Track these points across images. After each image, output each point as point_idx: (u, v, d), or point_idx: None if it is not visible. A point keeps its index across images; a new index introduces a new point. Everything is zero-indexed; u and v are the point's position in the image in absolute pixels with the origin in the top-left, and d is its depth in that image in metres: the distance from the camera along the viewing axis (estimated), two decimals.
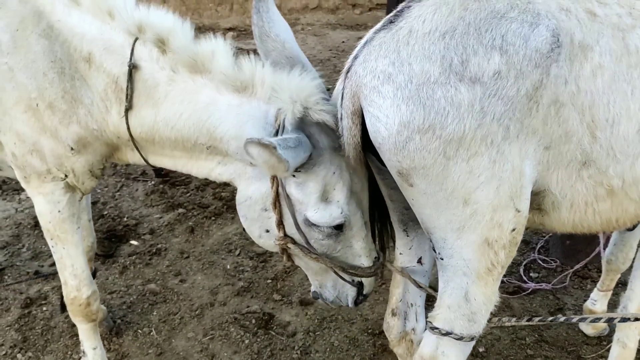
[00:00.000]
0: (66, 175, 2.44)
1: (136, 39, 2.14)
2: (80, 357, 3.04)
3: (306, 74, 1.96)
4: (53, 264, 3.34)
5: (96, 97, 2.24)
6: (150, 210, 4.73)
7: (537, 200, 1.90)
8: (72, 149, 2.34)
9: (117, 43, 2.15)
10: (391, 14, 1.82)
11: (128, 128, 2.22)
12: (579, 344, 3.29)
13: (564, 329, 3.40)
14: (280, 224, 2.07)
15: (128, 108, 2.17)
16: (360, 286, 2.26)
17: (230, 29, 10.00)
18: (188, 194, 4.96)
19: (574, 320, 2.21)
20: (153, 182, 5.08)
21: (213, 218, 4.61)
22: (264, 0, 2.10)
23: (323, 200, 2.00)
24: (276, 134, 1.91)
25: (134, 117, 2.19)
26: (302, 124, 1.92)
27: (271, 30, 2.07)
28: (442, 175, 1.71)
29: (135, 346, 3.29)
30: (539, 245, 4.25)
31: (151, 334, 3.38)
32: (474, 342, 2.03)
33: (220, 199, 4.84)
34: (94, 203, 4.70)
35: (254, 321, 3.46)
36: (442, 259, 1.89)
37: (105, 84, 2.20)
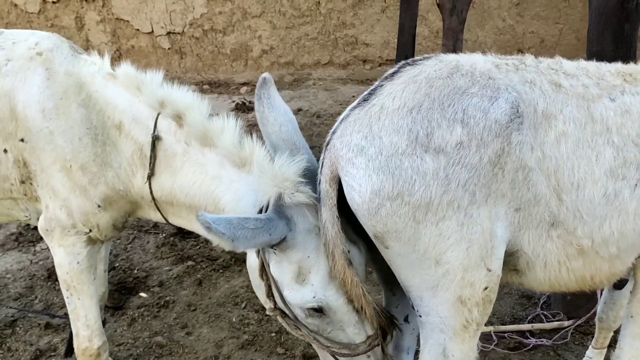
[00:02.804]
0: (90, 230, 2.62)
1: (159, 113, 2.36)
2: None
3: (288, 158, 2.07)
4: (63, 316, 3.45)
5: (124, 161, 2.46)
6: (160, 263, 4.85)
7: (513, 260, 2.00)
8: (99, 206, 2.54)
9: (143, 115, 2.39)
10: (366, 92, 1.99)
11: (151, 191, 2.41)
12: None
13: None
14: (270, 295, 2.15)
15: (150, 174, 2.38)
16: None
17: (244, 84, 10.33)
18: (197, 247, 5.08)
19: None
20: (164, 235, 5.22)
21: (221, 271, 4.71)
22: (266, 87, 2.29)
23: (298, 282, 2.07)
24: (260, 211, 2.06)
25: (156, 182, 2.40)
26: (283, 207, 2.03)
27: (270, 115, 2.25)
28: (414, 238, 1.84)
29: None
30: (541, 301, 4.28)
31: None
32: None
33: (229, 252, 4.94)
34: None
35: None
36: (421, 317, 1.99)
37: (132, 151, 2.42)
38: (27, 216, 2.86)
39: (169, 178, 2.35)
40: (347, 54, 10.81)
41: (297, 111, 9.12)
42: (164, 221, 2.57)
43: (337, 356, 2.19)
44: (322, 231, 2.00)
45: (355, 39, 10.77)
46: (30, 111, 2.45)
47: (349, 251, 2.04)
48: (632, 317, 2.46)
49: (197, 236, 5.20)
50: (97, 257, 3.30)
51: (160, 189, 2.40)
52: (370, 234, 1.93)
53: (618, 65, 2.26)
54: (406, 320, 2.27)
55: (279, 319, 2.19)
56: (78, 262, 2.67)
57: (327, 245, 1.96)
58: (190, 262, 4.81)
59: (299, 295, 2.06)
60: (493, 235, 1.86)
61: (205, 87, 10.09)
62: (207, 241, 5.16)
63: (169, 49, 10.57)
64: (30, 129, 2.46)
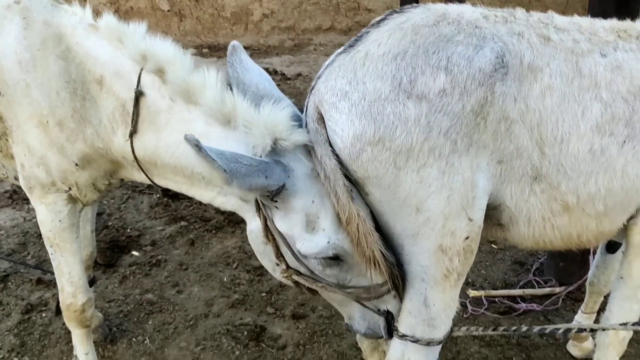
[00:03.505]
0: (70, 188, 2.55)
1: (143, 67, 2.25)
2: None
3: (274, 106, 2.01)
4: None
5: (104, 118, 2.35)
6: (154, 223, 4.84)
7: (496, 214, 1.97)
8: (76, 164, 2.45)
9: (126, 69, 2.27)
10: (352, 39, 1.94)
11: (133, 150, 2.32)
12: None
13: (551, 350, 3.42)
14: (280, 256, 2.07)
15: (133, 132, 2.28)
16: (388, 314, 2.15)
17: (244, 48, 10.21)
18: (191, 207, 5.07)
19: (535, 331, 2.24)
20: (158, 195, 5.20)
21: (214, 231, 4.70)
22: (236, 54, 2.24)
23: (309, 231, 1.98)
24: None
25: (138, 141, 2.29)
26: (277, 156, 1.96)
27: (245, 77, 2.20)
28: (395, 184, 1.82)
29: (128, 354, 3.37)
30: (534, 267, 4.27)
31: (145, 342, 3.46)
32: (438, 348, 2.10)
33: (222, 213, 4.93)
34: (99, 214, 4.82)
35: (245, 333, 3.53)
36: (402, 266, 1.98)
37: (113, 107, 2.31)
38: (4, 174, 2.81)
39: (153, 136, 2.25)
40: (349, 19, 10.66)
41: (297, 76, 9.03)
42: (150, 182, 2.50)
43: (363, 302, 2.13)
44: (320, 167, 1.93)
45: (357, 4, 10.61)
46: (6, 62, 2.35)
47: (351, 190, 1.96)
48: (622, 278, 2.45)
49: (191, 197, 5.18)
50: (85, 218, 3.30)
51: (143, 148, 2.30)
52: (353, 180, 1.91)
53: (613, 22, 2.21)
54: None
55: (295, 278, 2.09)
56: (60, 220, 2.62)
57: (328, 180, 1.89)
58: (183, 223, 4.80)
59: (313, 244, 1.97)
60: (475, 185, 1.84)
61: (204, 50, 9.97)
62: (200, 202, 5.15)
63: (168, 10, 10.43)
64: (7, 81, 2.37)
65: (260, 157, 1.95)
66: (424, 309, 1.99)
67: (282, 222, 2.00)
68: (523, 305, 3.80)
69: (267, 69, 2.23)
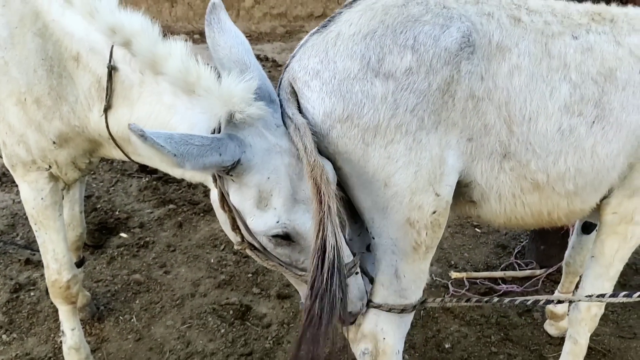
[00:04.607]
0: (50, 166, 2.57)
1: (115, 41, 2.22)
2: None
3: (237, 77, 1.96)
4: None
5: (81, 95, 2.35)
6: (142, 205, 4.88)
7: (468, 191, 2.04)
8: (54, 142, 2.46)
9: (99, 44, 2.26)
10: (326, 19, 2.00)
11: (107, 127, 2.31)
12: (542, 344, 3.40)
13: (529, 329, 3.51)
14: (236, 228, 2.05)
15: (107, 107, 2.27)
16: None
17: None
18: (180, 191, 5.11)
19: (505, 302, 2.30)
20: (147, 179, 5.24)
21: (202, 214, 4.75)
22: (215, 12, 2.19)
23: (260, 208, 1.96)
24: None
25: (112, 117, 2.29)
26: (236, 129, 1.94)
27: (220, 39, 2.16)
28: (363, 160, 1.89)
29: (115, 332, 3.43)
30: (516, 250, 4.35)
31: (132, 320, 3.52)
32: (410, 317, 2.17)
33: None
34: (88, 196, 4.86)
35: (231, 312, 3.59)
36: (374, 238, 2.05)
37: (90, 83, 2.31)
38: None
39: (127, 111, 2.25)
40: (341, 6, 10.65)
41: None
42: (127, 159, 2.48)
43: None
44: (290, 121, 1.92)
45: None
46: None
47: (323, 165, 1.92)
48: (593, 257, 2.52)
49: (180, 180, 5.23)
50: (73, 199, 3.32)
51: (117, 123, 2.29)
52: (324, 156, 1.97)
53: (587, 5, 2.27)
54: (368, 249, 2.31)
55: (249, 252, 2.10)
56: (42, 198, 2.65)
57: (297, 132, 1.89)
58: (171, 206, 4.84)
59: (262, 222, 1.95)
60: (443, 162, 1.91)
61: (196, 37, 9.94)
62: (189, 185, 5.21)
63: None
64: None
65: (219, 129, 1.92)
66: (395, 280, 2.06)
67: (236, 196, 1.97)
68: (503, 287, 3.88)
69: (258, 56, 2.22)
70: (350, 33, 1.92)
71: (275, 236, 1.97)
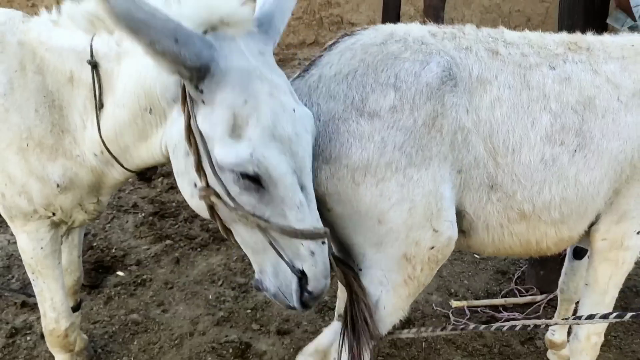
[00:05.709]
0: (53, 214, 2.48)
1: (94, 35, 2.11)
2: None
3: None
4: None
5: (77, 118, 2.27)
6: (139, 242, 4.85)
7: (458, 221, 2.03)
8: (58, 186, 2.37)
9: (81, 45, 2.15)
10: (307, 64, 2.03)
11: (99, 132, 2.19)
12: None
13: (532, 358, 3.47)
14: (200, 169, 1.82)
15: (99, 106, 2.15)
16: (302, 275, 1.86)
17: None
18: (176, 226, 5.09)
19: (493, 328, 2.26)
20: (143, 215, 5.22)
21: (199, 249, 4.72)
22: None
23: (233, 137, 1.73)
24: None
25: (104, 117, 2.17)
26: (214, 37, 1.75)
27: None
28: (355, 199, 1.89)
29: None
30: (515, 276, 4.33)
31: None
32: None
33: (207, 230, 4.96)
34: (84, 234, 4.81)
35: (231, 350, 3.55)
36: (361, 270, 2.03)
37: (84, 97, 2.21)
38: None
39: (112, 99, 2.12)
40: (333, 33, 10.74)
41: None
42: (128, 173, 2.34)
43: (277, 248, 1.85)
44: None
45: (340, 18, 10.73)
46: None
47: None
48: (587, 285, 2.51)
49: (176, 215, 5.22)
50: (72, 244, 3.25)
51: (105, 122, 2.16)
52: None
53: (563, 35, 2.31)
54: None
55: (213, 200, 1.82)
56: (42, 248, 2.58)
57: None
58: (168, 241, 4.81)
59: (233, 152, 1.71)
60: (440, 197, 1.91)
61: None
62: (186, 220, 5.19)
63: None
64: None
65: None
66: (374, 310, 2.04)
67: (206, 120, 1.76)
68: (505, 314, 3.85)
69: None
70: (332, 74, 1.94)
71: (245, 177, 1.75)
